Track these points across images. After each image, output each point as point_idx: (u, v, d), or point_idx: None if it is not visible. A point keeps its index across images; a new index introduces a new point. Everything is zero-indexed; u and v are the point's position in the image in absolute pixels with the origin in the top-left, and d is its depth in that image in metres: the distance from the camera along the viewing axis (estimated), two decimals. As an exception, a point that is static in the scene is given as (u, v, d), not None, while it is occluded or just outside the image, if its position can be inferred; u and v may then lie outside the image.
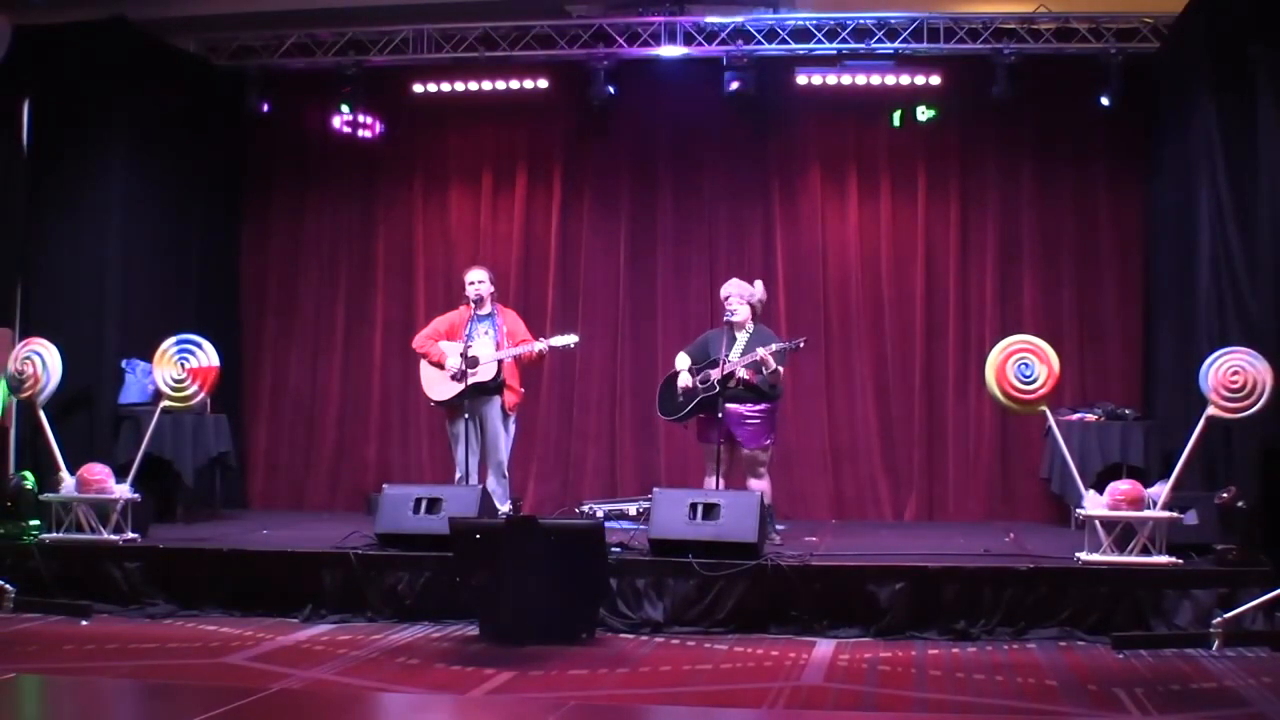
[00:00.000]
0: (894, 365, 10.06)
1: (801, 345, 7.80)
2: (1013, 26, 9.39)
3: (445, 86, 10.18)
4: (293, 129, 10.62)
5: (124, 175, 9.33)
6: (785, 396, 8.76)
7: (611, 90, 9.75)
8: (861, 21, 9.47)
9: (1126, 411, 9.00)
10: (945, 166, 10.09)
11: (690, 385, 7.86)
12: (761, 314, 8.10)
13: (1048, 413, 7.37)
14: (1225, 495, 6.87)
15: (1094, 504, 6.95)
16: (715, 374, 7.73)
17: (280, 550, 7.39)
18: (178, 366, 7.85)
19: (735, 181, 10.32)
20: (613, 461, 10.24)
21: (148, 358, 8.26)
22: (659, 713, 5.36)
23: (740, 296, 7.92)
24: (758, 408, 7.76)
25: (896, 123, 9.95)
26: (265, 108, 10.11)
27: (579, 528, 6.91)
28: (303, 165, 10.80)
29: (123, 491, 7.56)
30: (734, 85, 9.59)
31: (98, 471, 7.62)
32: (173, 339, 7.94)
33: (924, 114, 9.82)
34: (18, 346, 8.14)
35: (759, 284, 8.06)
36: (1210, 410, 6.81)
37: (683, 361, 8.03)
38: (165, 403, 7.94)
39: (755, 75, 9.63)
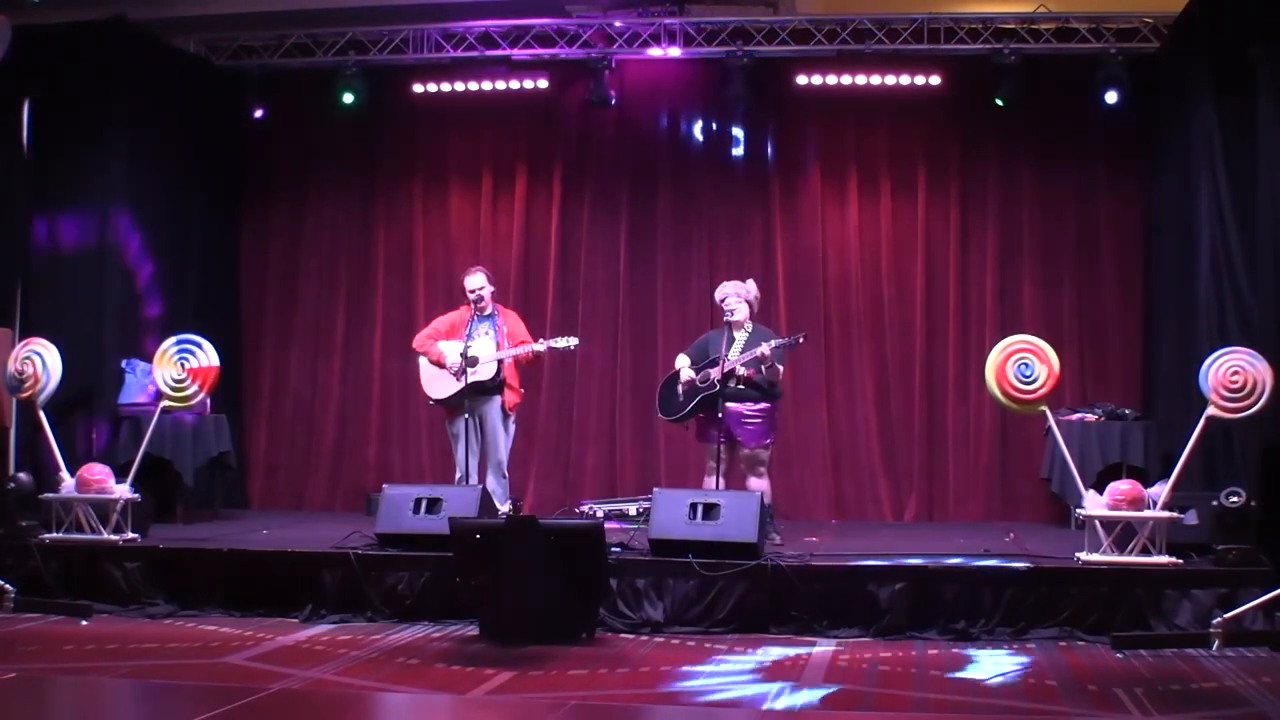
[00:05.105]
0: (894, 365, 10.05)
1: (801, 340, 7.83)
2: (1013, 26, 9.41)
3: (445, 86, 10.20)
4: (293, 129, 10.63)
5: (124, 175, 9.33)
6: (785, 396, 8.75)
7: (611, 90, 9.76)
8: (861, 22, 9.48)
9: (1126, 411, 9.00)
10: (945, 166, 10.09)
11: (692, 380, 7.85)
12: (759, 312, 8.09)
13: (1048, 413, 7.36)
14: (1235, 498, 6.84)
15: (1094, 504, 6.95)
16: (715, 373, 7.73)
17: (280, 550, 7.38)
18: (178, 366, 7.85)
19: (735, 182, 10.32)
20: (613, 461, 10.24)
21: (148, 358, 8.25)
22: (659, 713, 5.35)
23: (738, 296, 7.91)
24: (758, 407, 7.74)
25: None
26: (260, 114, 10.14)
27: (579, 528, 6.90)
28: (303, 165, 10.79)
29: (123, 491, 7.56)
30: (733, 86, 9.60)
31: (98, 471, 7.62)
32: (173, 339, 7.94)
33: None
34: (18, 346, 8.13)
35: (751, 282, 8.06)
36: (1210, 410, 6.81)
37: (683, 362, 8.02)
38: (165, 403, 7.95)
39: (755, 76, 9.65)
